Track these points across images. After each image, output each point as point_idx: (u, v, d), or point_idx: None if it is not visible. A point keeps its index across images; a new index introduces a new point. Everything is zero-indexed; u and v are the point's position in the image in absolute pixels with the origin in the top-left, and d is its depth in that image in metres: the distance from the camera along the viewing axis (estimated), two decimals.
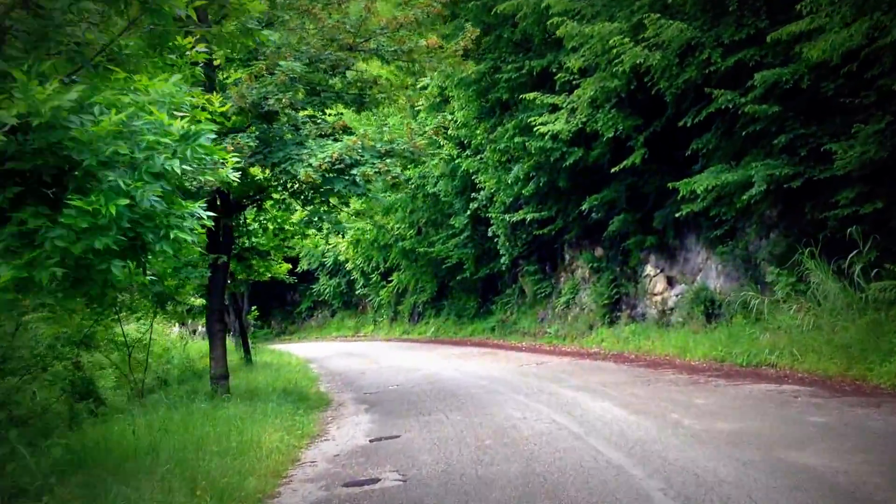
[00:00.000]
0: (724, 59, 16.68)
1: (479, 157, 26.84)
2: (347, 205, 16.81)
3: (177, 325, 52.98)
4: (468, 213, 30.40)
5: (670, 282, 22.16)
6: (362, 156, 14.02)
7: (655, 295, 22.63)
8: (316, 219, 15.60)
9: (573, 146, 22.41)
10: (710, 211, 18.24)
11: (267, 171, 14.49)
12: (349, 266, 44.97)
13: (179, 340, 27.21)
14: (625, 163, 19.77)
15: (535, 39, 22.60)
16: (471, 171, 27.59)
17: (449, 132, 27.31)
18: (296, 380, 19.67)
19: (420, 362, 23.98)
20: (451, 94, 25.78)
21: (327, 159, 13.07)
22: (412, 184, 33.05)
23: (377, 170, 13.93)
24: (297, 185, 14.84)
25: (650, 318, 22.59)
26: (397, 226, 35.11)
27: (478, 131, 25.53)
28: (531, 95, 20.48)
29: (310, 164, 13.04)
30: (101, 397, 15.08)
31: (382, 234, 36.57)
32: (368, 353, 30.80)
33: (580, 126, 19.68)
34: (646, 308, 23.00)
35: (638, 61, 16.82)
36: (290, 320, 60.65)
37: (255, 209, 17.51)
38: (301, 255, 51.53)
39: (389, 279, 41.36)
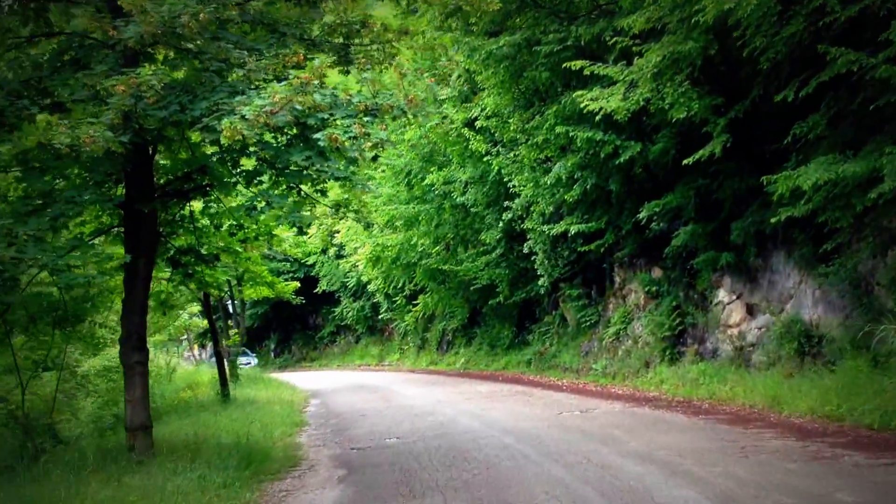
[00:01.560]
0: (843, 6, 12.20)
1: (512, 154, 22.42)
2: (324, 193, 12.37)
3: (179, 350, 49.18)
4: (501, 225, 25.99)
5: (750, 310, 17.59)
6: (332, 113, 9.72)
7: (731, 327, 18.06)
8: (262, 204, 11.15)
9: (629, 138, 18.02)
10: (819, 216, 13.71)
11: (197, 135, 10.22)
12: (371, 287, 40.69)
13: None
14: (700, 153, 15.29)
15: (581, 5, 18.28)
16: (503, 173, 23.16)
17: (477, 123, 23.02)
18: (270, 425, 15.43)
19: (438, 403, 19.62)
20: (478, 77, 21.38)
21: (267, 108, 8.66)
22: (436, 191, 28.80)
23: (352, 133, 9.62)
24: (234, 156, 10.67)
25: (724, 356, 18.02)
26: (421, 241, 30.80)
27: (511, 122, 21.11)
28: (577, 64, 15.99)
29: (242, 116, 8.65)
30: None
31: (406, 251, 32.23)
32: (383, 388, 26.50)
33: (641, 104, 15.23)
34: (718, 343, 18.43)
35: (726, 7, 12.38)
36: (311, 346, 56.53)
37: (203, 197, 12.94)
38: (321, 274, 47.49)
39: (415, 302, 37.04)
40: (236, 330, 31.54)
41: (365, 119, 9.86)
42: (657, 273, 20.89)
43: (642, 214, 18.41)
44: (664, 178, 18.55)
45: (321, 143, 9.70)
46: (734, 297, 18.09)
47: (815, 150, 14.02)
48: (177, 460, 10.64)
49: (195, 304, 33.09)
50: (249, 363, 44.09)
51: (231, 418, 15.92)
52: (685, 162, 15.66)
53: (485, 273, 28.16)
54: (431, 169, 28.09)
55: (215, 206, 13.39)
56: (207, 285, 16.08)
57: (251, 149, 11.14)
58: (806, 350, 15.55)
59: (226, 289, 25.48)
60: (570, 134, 18.27)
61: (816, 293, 15.79)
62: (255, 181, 11.96)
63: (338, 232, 40.96)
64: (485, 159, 24.25)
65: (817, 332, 15.61)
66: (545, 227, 22.17)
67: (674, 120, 15.58)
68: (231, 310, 31.06)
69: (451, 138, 26.35)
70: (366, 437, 14.32)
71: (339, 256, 44.53)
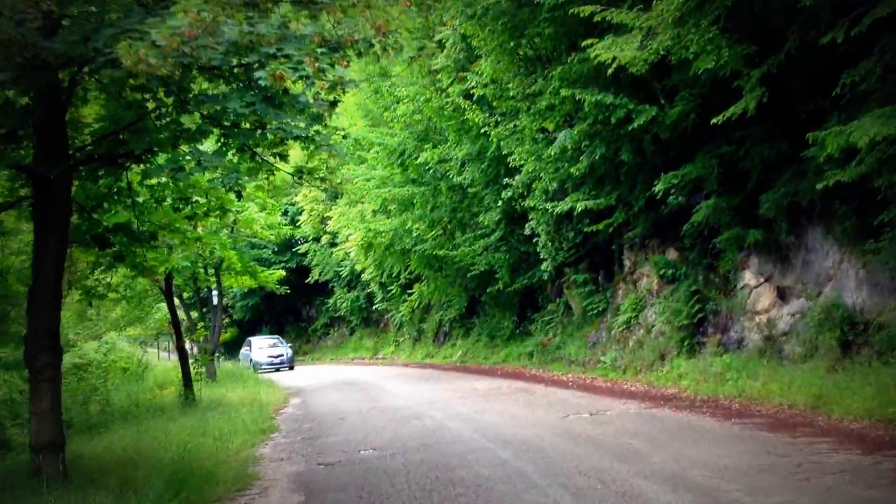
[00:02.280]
0: None
1: (512, 124, 20.18)
2: (284, 157, 10.14)
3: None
4: (500, 205, 23.79)
5: (782, 294, 15.45)
6: (280, 48, 7.54)
7: (759, 313, 15.92)
8: (191, 165, 8.89)
9: (644, 101, 15.88)
10: (873, 181, 11.58)
11: None
12: (365, 276, 38.51)
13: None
14: (732, 110, 13.09)
15: None
16: (503, 146, 20.93)
17: (474, 92, 20.81)
18: (230, 434, 13.33)
19: (428, 403, 17.52)
20: (474, 41, 19.13)
21: (183, 28, 6.45)
22: (431, 171, 26.61)
23: (303, 72, 7.45)
24: (169, 111, 8.49)
25: (751, 347, 15.87)
26: (416, 226, 28.61)
27: (511, 87, 18.87)
28: (586, 10, 13.63)
29: (153, 42, 6.45)
30: None
31: (400, 237, 30.04)
32: (372, 385, 24.39)
33: (661, 54, 13.02)
34: (744, 332, 16.27)
35: None
36: (304, 339, 54.36)
37: (139, 164, 10.58)
38: (313, 263, 45.36)
39: (410, 292, 34.89)
40: (202, 323, 29.23)
41: (319, 51, 7.68)
42: (673, 255, 18.74)
43: (658, 187, 16.23)
44: (683, 147, 16.40)
45: (263, 82, 7.56)
46: (762, 280, 15.95)
47: (862, 106, 11.87)
48: (92, 486, 8.53)
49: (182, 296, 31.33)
50: (282, 357, 40.23)
51: (187, 426, 13.75)
52: (714, 121, 13.46)
53: (483, 258, 26.00)
54: (426, 147, 25.88)
55: (159, 175, 11.12)
56: (147, 270, 13.86)
57: (190, 98, 9.01)
58: (850, 339, 13.46)
59: (188, 276, 23.28)
60: (577, 97, 16.08)
61: (861, 273, 13.69)
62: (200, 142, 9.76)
63: (330, 218, 38.76)
64: (482, 131, 22.02)
65: (863, 318, 13.51)
66: (548, 206, 19.98)
67: (699, 73, 13.40)
68: (215, 301, 28.77)
69: (446, 112, 24.16)
70: (338, 448, 12.18)
71: (332, 245, 42.30)
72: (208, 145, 10.40)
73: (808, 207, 14.41)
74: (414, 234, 29.15)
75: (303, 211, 43.67)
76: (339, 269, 43.77)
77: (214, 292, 31.82)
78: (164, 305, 31.32)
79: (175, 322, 19.49)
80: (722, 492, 7.51)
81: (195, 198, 11.58)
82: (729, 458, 8.96)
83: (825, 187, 12.08)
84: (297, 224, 43.20)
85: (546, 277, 24.29)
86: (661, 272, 18.62)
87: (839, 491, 7.25)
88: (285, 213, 47.97)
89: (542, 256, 23.13)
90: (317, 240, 44.66)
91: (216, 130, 9.32)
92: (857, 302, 13.69)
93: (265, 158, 9.99)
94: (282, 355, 40.17)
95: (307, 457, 11.79)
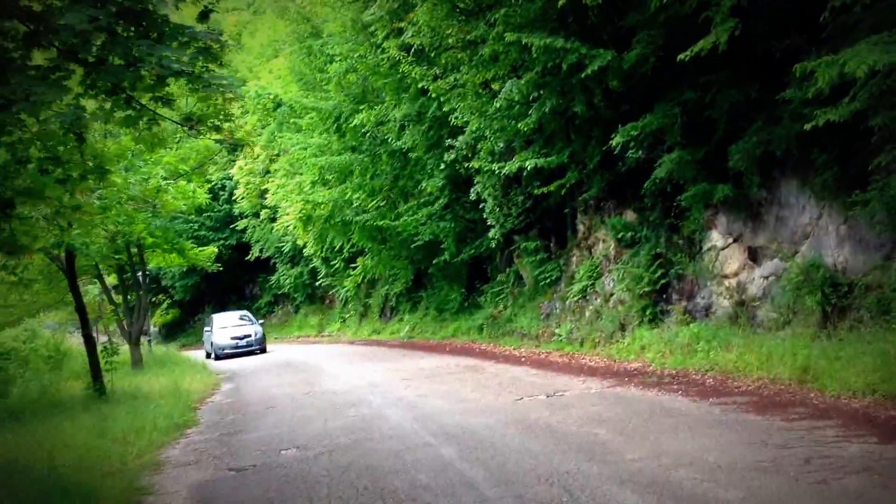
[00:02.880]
0: None
1: (453, 77, 18.41)
2: (167, 103, 8.31)
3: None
4: (443, 169, 22.08)
5: (753, 255, 13.97)
6: None
7: (728, 277, 14.44)
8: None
9: (598, 45, 14.26)
10: (870, 119, 10.07)
11: None
12: (306, 251, 36.63)
13: None
14: (700, 44, 11.51)
15: None
16: (443, 103, 19.16)
17: (410, 41, 19.03)
18: (138, 433, 11.58)
19: (368, 387, 15.90)
20: None
21: None
22: (368, 135, 24.83)
23: None
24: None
25: (721, 314, 14.40)
26: (356, 196, 26.84)
27: (450, 34, 17.10)
28: None
29: None
30: None
31: (340, 209, 28.22)
32: (311, 366, 22.65)
33: None
34: (712, 298, 14.81)
35: None
36: None
37: None
38: (252, 239, 43.40)
39: (354, 265, 33.16)
40: (112, 307, 27.06)
41: None
42: (631, 217, 17.20)
43: (615, 141, 14.60)
44: (642, 96, 14.82)
45: None
46: (731, 240, 14.48)
47: (846, 39, 10.35)
48: None
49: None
50: (250, 338, 32.51)
51: (85, 425, 11.94)
52: (680, 57, 11.85)
53: (427, 228, 24.34)
54: (361, 108, 24.02)
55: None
56: (15, 247, 11.88)
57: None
58: (833, 303, 12.00)
59: (102, 254, 21.24)
60: (525, 42, 14.37)
61: (842, 230, 12.25)
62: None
63: (268, 192, 36.74)
64: (421, 87, 20.20)
65: (846, 279, 12.09)
66: (495, 167, 18.29)
67: (658, 10, 11.82)
68: (140, 282, 26.72)
69: (381, 70, 22.35)
70: (258, 447, 10.48)
71: (272, 220, 40.30)
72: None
73: (783, 158, 12.90)
74: (354, 205, 27.41)
75: (238, 185, 41.52)
76: (281, 244, 41.87)
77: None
78: (92, 288, 29.44)
79: (79, 306, 17.51)
80: (719, 501, 5.95)
81: (67, 158, 9.62)
82: (718, 451, 7.40)
83: (804, 132, 10.60)
84: (234, 199, 41.16)
85: (494, 246, 22.70)
86: (619, 235, 17.08)
87: (872, 500, 5.71)
88: (222, 187, 46.00)
89: (489, 223, 21.50)
90: (256, 215, 42.64)
91: (76, 68, 7.46)
92: (838, 261, 12.25)
93: (143, 104, 8.12)
94: (249, 336, 32.40)
95: (219, 460, 10.07)
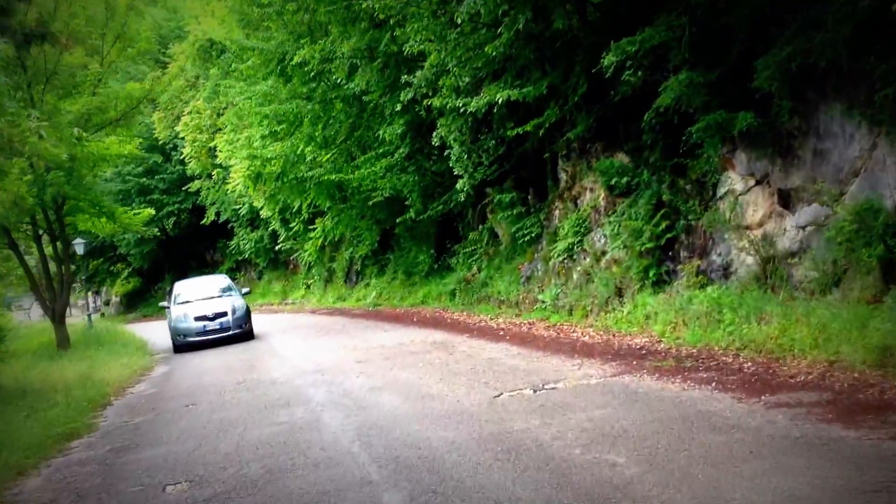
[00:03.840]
0: None
1: None
2: None
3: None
4: (400, 111, 19.00)
5: (785, 200, 11.16)
6: None
7: (751, 228, 11.65)
8: None
9: None
10: None
11: None
12: (263, 213, 33.54)
13: None
14: None
15: None
16: (396, 32, 16.16)
17: None
18: None
19: (315, 373, 13.17)
20: None
21: None
22: (317, 79, 21.74)
23: None
24: None
25: (744, 275, 11.62)
26: (308, 149, 23.81)
27: None
28: None
29: None
30: None
31: (291, 164, 25.14)
32: (260, 344, 19.79)
33: None
34: (731, 255, 12.00)
35: None
36: None
37: None
38: (207, 201, 40.26)
39: (312, 227, 30.23)
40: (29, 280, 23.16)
41: None
42: (625, 159, 14.34)
43: (606, 61, 11.64)
44: (638, 4, 11.92)
45: None
46: (753, 183, 11.68)
47: None
48: None
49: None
50: (225, 318, 20.93)
51: None
52: None
53: (387, 181, 21.42)
54: (304, 42, 20.82)
55: None
56: None
57: None
58: None
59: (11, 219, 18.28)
60: None
61: None
62: None
63: (217, 150, 33.43)
64: (372, 15, 17.14)
65: None
66: (459, 103, 15.32)
67: None
68: (59, 251, 22.98)
69: None
70: (140, 479, 7.61)
71: (226, 181, 37.09)
72: None
73: (823, 75, 10.08)
74: (307, 159, 24.37)
75: (185, 143, 38.14)
76: (237, 206, 38.69)
77: (79, 241, 26.75)
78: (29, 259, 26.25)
79: None
80: None
81: None
82: None
83: (856, 35, 7.80)
84: (183, 160, 37.91)
85: (464, 200, 19.80)
86: (612, 182, 14.20)
87: None
88: (174, 147, 42.67)
89: (456, 174, 18.60)
90: (210, 176, 39.40)
91: None
92: None
93: None
94: (224, 313, 21.08)
95: (80, 501, 7.22)
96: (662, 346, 10.95)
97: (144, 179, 43.85)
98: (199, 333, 20.54)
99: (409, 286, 25.52)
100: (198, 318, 20.73)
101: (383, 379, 11.47)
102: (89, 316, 29.60)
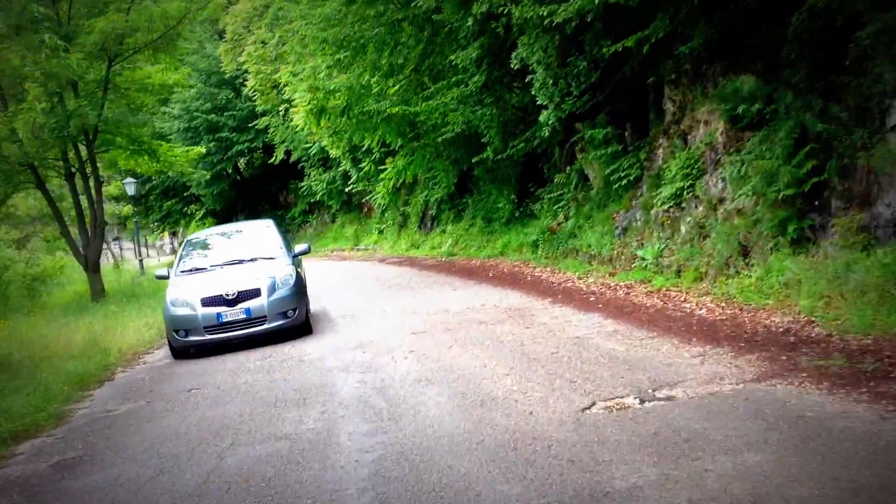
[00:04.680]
0: None
1: None
2: None
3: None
4: (474, 30, 16.03)
5: None
6: None
7: None
8: None
9: None
10: None
11: None
12: (332, 152, 30.95)
13: None
14: None
15: None
16: None
17: None
18: None
19: (356, 348, 10.66)
20: None
21: None
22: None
23: None
24: None
25: None
26: (373, 79, 21.04)
27: None
28: None
29: None
30: None
31: (358, 97, 22.39)
32: (312, 297, 17.30)
33: None
34: None
35: None
36: (283, 229, 46.64)
37: None
38: (275, 140, 37.84)
39: (383, 168, 27.55)
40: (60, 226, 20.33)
41: None
42: (753, 82, 11.22)
43: None
44: None
45: None
46: None
47: None
48: None
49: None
50: (257, 300, 12.34)
51: None
52: None
53: (459, 114, 18.53)
54: None
55: None
56: None
57: None
58: None
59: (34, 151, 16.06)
60: None
61: None
62: None
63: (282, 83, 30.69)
64: None
65: None
66: (544, 11, 12.28)
67: None
68: (93, 190, 20.14)
69: None
70: None
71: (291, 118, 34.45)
72: None
73: None
74: (373, 91, 21.62)
75: (248, 75, 35.34)
76: (308, 145, 36.10)
77: (130, 180, 24.50)
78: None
79: None
80: None
81: None
82: None
83: None
84: (247, 93, 35.34)
85: (548, 136, 16.82)
86: (738, 110, 11.12)
87: None
88: (244, 81, 40.23)
89: (540, 103, 15.66)
90: (278, 112, 36.79)
91: None
92: None
93: None
94: (256, 292, 12.43)
95: None
96: (816, 329, 7.98)
97: (213, 116, 41.59)
98: (210, 328, 12.16)
99: (487, 234, 22.78)
100: (207, 302, 12.26)
101: (436, 364, 8.78)
102: (141, 261, 27.32)
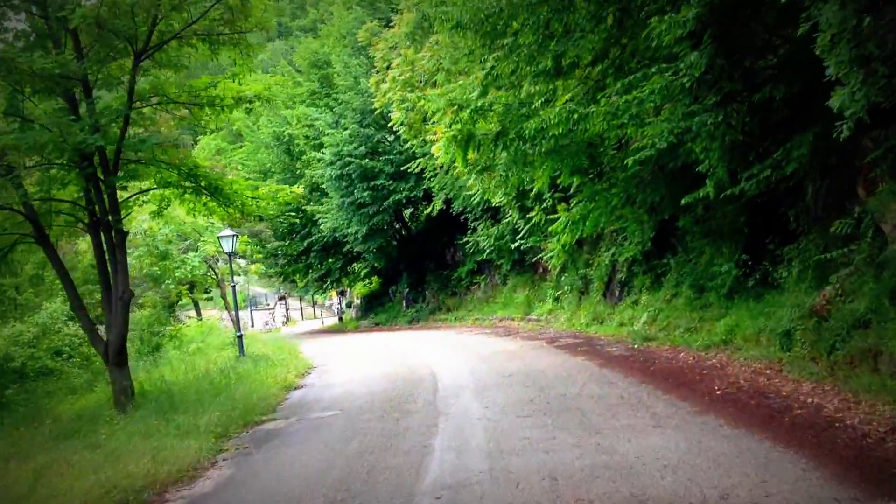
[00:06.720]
0: None
1: None
2: None
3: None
4: None
5: None
6: None
7: None
8: None
9: None
10: None
11: None
12: (492, 198, 24.41)
13: None
14: None
15: None
16: None
17: None
18: None
19: None
20: None
21: None
22: None
23: None
24: None
25: None
26: (535, 87, 14.34)
27: None
28: None
29: None
30: None
31: (515, 115, 15.72)
32: (418, 410, 10.60)
33: None
34: None
35: None
36: (448, 291, 40.21)
37: None
38: (434, 188, 31.63)
39: (554, 217, 20.62)
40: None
41: None
42: None
43: None
44: None
45: None
46: None
47: None
48: None
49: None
50: None
51: None
52: None
53: (662, 120, 11.47)
54: None
55: None
56: None
57: None
58: None
59: None
60: None
61: None
62: None
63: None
64: None
65: None
66: None
67: None
68: (113, 246, 13.90)
69: None
70: None
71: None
72: None
73: None
74: (536, 102, 14.94)
75: (393, 106, 28.78)
76: (471, 192, 29.40)
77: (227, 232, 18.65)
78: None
79: None
80: None
81: None
82: None
83: None
84: (393, 126, 29.15)
85: (846, 135, 9.50)
86: None
87: None
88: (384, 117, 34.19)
89: (833, 78, 8.41)
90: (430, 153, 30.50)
91: None
92: None
93: None
94: None
95: None
96: None
97: (367, 160, 36.05)
98: None
99: (699, 311, 15.81)
100: None
101: None
102: (240, 338, 20.94)
